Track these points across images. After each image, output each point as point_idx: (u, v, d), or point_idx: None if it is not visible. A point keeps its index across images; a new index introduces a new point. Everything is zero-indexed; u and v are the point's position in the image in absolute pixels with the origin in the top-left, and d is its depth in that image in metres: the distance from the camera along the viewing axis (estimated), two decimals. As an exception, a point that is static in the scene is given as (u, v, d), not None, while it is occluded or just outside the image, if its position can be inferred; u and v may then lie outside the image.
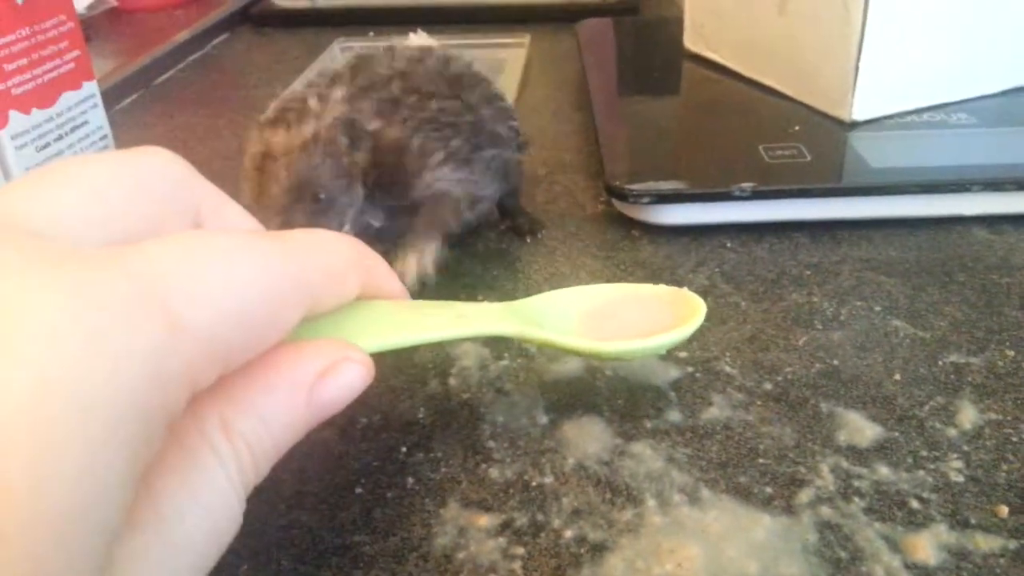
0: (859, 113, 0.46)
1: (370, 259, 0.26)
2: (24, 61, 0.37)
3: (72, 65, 0.40)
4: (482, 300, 0.36)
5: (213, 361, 0.18)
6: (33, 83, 0.37)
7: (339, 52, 0.71)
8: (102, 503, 0.15)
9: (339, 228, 0.32)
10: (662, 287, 0.31)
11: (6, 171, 0.36)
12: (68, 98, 0.40)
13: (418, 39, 0.72)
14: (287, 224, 0.31)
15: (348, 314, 0.24)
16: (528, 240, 0.42)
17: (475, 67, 0.40)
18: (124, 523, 0.16)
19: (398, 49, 0.38)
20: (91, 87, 0.41)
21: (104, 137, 0.42)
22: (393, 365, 0.33)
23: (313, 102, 0.33)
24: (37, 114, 0.38)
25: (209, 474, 0.19)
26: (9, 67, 0.36)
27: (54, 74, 0.39)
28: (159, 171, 0.22)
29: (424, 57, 0.38)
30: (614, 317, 0.30)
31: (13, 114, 0.37)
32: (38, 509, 0.14)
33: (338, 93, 0.34)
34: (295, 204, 0.32)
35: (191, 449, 0.19)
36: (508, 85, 0.60)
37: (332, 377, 0.22)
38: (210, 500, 0.19)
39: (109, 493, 0.15)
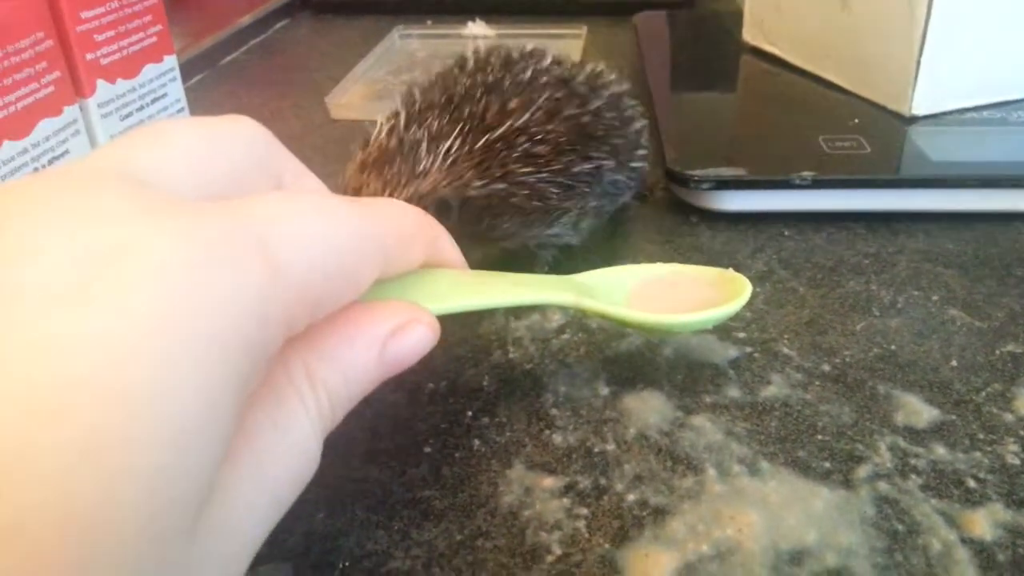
0: (919, 108, 0.46)
1: (435, 229, 0.27)
2: (111, 33, 0.38)
3: (155, 39, 0.41)
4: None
5: (305, 307, 0.19)
6: (119, 54, 0.39)
7: (398, 40, 0.72)
8: (215, 424, 0.16)
9: None
10: (709, 268, 0.31)
11: (92, 138, 0.38)
12: (150, 70, 0.41)
13: (476, 28, 0.73)
14: None
15: (414, 280, 0.26)
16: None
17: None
18: (227, 451, 0.17)
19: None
20: (171, 61, 0.43)
21: (181, 110, 0.44)
22: (458, 335, 0.34)
23: None
24: (121, 84, 0.39)
25: (295, 414, 0.20)
26: (99, 38, 0.38)
27: (138, 47, 0.40)
28: (247, 138, 0.23)
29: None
30: (663, 294, 0.30)
31: (100, 83, 0.38)
32: (159, 419, 0.15)
33: None
34: None
35: (279, 390, 0.20)
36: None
37: (403, 336, 0.23)
38: (295, 439, 0.20)
39: (220, 417, 0.16)
